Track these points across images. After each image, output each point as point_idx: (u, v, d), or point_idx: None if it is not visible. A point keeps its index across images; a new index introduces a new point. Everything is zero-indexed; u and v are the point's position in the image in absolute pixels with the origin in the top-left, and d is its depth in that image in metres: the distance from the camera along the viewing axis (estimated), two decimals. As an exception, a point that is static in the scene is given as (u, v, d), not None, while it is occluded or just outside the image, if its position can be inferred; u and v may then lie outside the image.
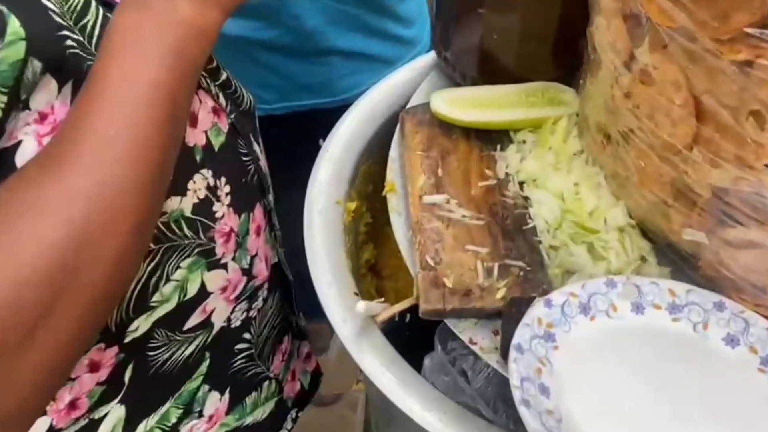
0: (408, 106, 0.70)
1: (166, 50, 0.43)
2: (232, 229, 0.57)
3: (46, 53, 0.42)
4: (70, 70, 0.44)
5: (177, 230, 0.51)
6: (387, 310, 0.54)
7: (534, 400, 0.44)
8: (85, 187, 0.39)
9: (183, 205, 0.51)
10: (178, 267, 0.53)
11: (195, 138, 0.53)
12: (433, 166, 0.63)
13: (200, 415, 0.63)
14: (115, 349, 0.52)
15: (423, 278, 0.54)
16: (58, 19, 0.43)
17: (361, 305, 0.53)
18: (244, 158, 0.60)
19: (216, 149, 0.55)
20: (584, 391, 0.47)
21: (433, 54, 0.76)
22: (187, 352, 0.58)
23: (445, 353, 0.56)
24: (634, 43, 0.45)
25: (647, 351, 0.50)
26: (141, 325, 0.52)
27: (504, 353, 0.50)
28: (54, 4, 0.43)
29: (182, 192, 0.51)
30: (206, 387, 0.62)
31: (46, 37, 0.42)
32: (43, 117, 0.43)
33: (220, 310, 0.59)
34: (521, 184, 0.61)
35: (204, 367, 0.61)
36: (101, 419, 0.54)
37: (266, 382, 0.70)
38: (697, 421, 0.45)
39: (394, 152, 0.67)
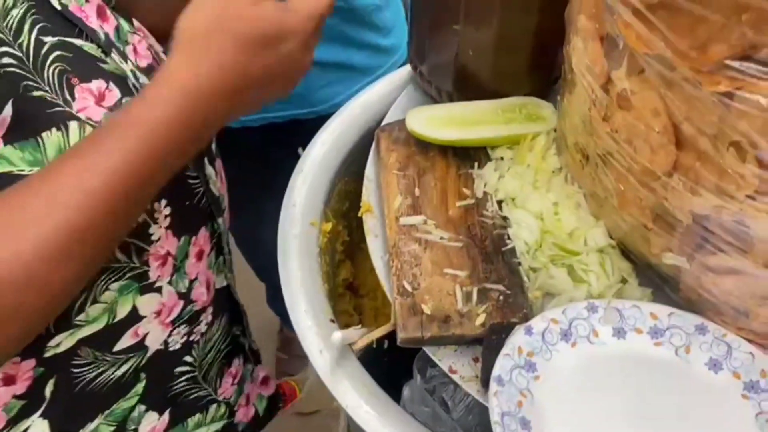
0: (384, 122, 0.68)
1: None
2: (168, 252, 0.56)
3: None
4: (8, 90, 0.44)
5: None
6: (364, 338, 0.53)
7: (515, 436, 0.43)
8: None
9: None
10: (107, 289, 0.52)
11: None
12: (410, 186, 0.62)
13: None
14: (32, 363, 0.51)
15: (401, 305, 0.53)
16: None
17: (337, 335, 0.51)
18: (192, 181, 0.58)
19: None
20: (565, 421, 0.46)
21: (408, 68, 0.74)
22: (119, 373, 0.57)
23: (424, 382, 0.55)
24: (611, 66, 0.44)
25: (630, 377, 0.49)
26: (63, 342, 0.52)
27: (485, 382, 0.49)
28: None
29: None
30: (142, 407, 0.61)
31: None
32: None
33: (154, 334, 0.58)
34: (500, 203, 0.60)
35: (140, 388, 0.59)
36: None
37: (214, 405, 0.69)
38: (681, 451, 0.44)
39: (369, 171, 0.66)
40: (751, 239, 0.40)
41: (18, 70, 0.45)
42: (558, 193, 0.58)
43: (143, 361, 0.58)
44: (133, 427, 0.61)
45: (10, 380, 0.51)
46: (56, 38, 0.47)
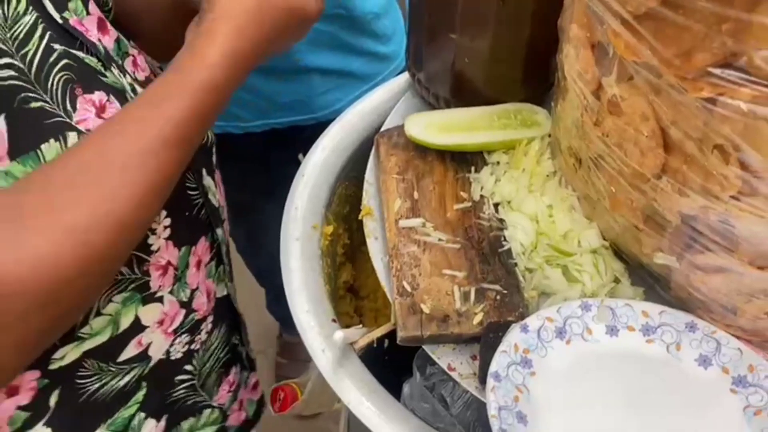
0: (383, 128, 0.70)
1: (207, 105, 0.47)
2: (169, 263, 0.57)
3: None
4: (1, 104, 0.44)
5: None
6: (365, 338, 0.55)
7: (512, 429, 0.44)
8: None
9: None
10: (110, 301, 0.53)
11: None
12: (409, 190, 0.63)
13: None
14: (36, 374, 0.52)
15: (400, 305, 0.55)
16: None
17: (339, 335, 0.53)
18: (191, 192, 0.59)
19: None
20: (561, 416, 0.47)
21: (406, 75, 0.76)
22: (122, 383, 0.58)
23: (424, 379, 0.56)
24: (602, 73, 0.46)
25: (622, 373, 0.50)
26: (68, 354, 0.52)
27: (482, 379, 0.50)
28: None
29: None
30: (142, 414, 0.61)
31: None
32: None
33: (157, 343, 0.58)
34: (496, 206, 0.62)
35: (140, 396, 0.60)
36: None
37: (207, 410, 0.70)
38: (672, 444, 0.46)
39: (369, 175, 0.67)
40: (736, 238, 0.42)
41: (17, 82, 0.45)
42: (552, 196, 0.60)
43: (146, 371, 0.59)
44: None
45: (14, 391, 0.51)
46: (62, 48, 0.48)
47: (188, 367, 0.64)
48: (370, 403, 0.52)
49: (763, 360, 0.48)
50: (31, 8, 0.47)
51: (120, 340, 0.55)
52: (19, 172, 0.45)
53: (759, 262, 0.42)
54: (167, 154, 0.46)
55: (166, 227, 0.55)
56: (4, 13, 0.45)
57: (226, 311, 0.69)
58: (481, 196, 0.63)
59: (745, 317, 0.48)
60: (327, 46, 0.98)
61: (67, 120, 0.47)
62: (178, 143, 0.46)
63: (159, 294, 0.56)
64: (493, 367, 0.48)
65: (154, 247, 0.54)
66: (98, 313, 0.52)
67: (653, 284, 0.54)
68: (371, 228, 0.63)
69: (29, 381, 0.51)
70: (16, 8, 0.46)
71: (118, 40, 0.54)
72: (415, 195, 0.63)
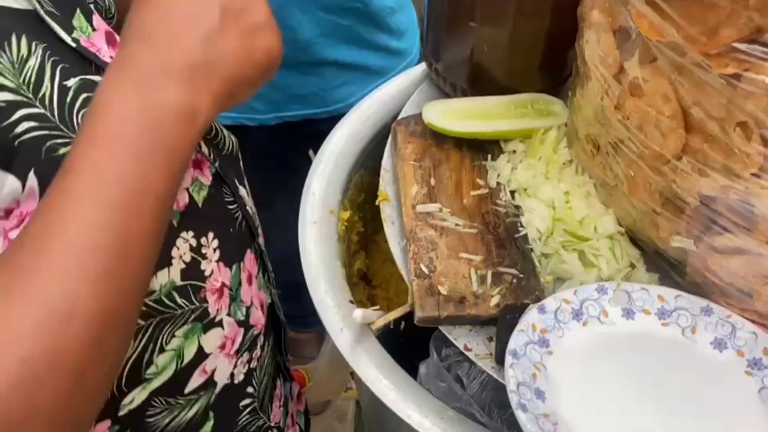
0: (400, 116, 0.71)
1: (154, 146, 0.39)
2: (223, 284, 0.55)
3: None
4: (28, 160, 0.40)
5: (169, 302, 0.49)
6: (383, 318, 0.55)
7: (530, 404, 0.45)
8: (34, 317, 0.34)
9: (172, 275, 0.49)
10: (173, 336, 0.51)
11: None
12: (426, 176, 0.64)
13: None
14: (106, 423, 0.49)
15: (418, 286, 0.55)
16: (11, 96, 0.40)
17: (358, 313, 0.53)
18: (230, 206, 0.58)
19: (200, 205, 0.52)
20: (578, 395, 0.48)
21: (422, 66, 0.77)
22: (190, 414, 0.56)
23: (440, 360, 0.57)
24: (623, 57, 0.46)
25: (638, 355, 0.51)
26: (137, 397, 0.50)
27: (499, 359, 0.51)
28: (9, 79, 0.40)
29: (167, 262, 0.49)
30: None
31: None
32: (8, 212, 0.40)
33: (222, 368, 0.57)
34: (512, 193, 0.62)
35: (208, 427, 0.58)
36: None
37: None
38: (688, 422, 0.46)
39: (386, 162, 0.68)
40: (755, 217, 0.42)
41: (40, 132, 0.41)
42: (569, 183, 0.61)
43: (212, 398, 0.57)
44: None
45: None
46: (77, 79, 0.44)
47: (249, 390, 0.62)
48: (387, 380, 0.53)
49: (778, 344, 0.49)
50: (35, 45, 0.43)
51: (185, 372, 0.53)
52: None
53: (778, 240, 0.42)
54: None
55: (215, 249, 0.54)
56: (9, 59, 0.41)
57: (273, 320, 0.68)
58: (498, 183, 0.63)
59: (762, 301, 0.48)
60: (343, 40, 0.99)
61: None
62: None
63: (218, 318, 0.55)
64: (512, 344, 0.48)
65: (207, 272, 0.53)
66: (162, 350, 0.50)
67: (669, 270, 0.55)
68: (388, 213, 0.63)
69: (102, 430, 0.50)
70: (19, 53, 0.42)
71: None
72: (432, 181, 0.64)
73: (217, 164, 0.55)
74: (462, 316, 0.54)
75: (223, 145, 0.58)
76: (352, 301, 0.59)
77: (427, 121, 0.65)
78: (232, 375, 0.59)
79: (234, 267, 0.57)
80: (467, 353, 0.53)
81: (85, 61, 0.46)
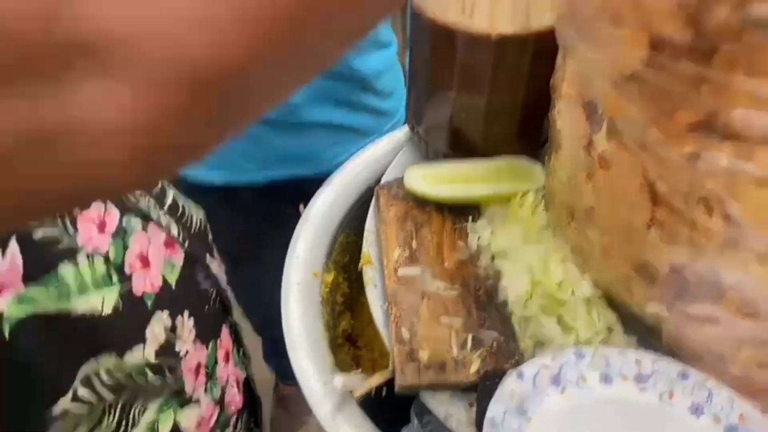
0: (383, 179, 0.73)
1: None
2: (199, 363, 0.55)
3: None
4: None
5: (142, 377, 0.50)
6: (364, 385, 0.55)
7: (508, 474, 0.45)
8: None
9: (146, 354, 0.50)
10: (146, 409, 0.51)
11: (146, 285, 0.51)
12: (408, 239, 0.65)
13: None
14: None
15: (398, 352, 0.56)
16: None
17: (339, 380, 0.54)
18: (204, 284, 0.58)
19: (173, 286, 0.53)
20: (557, 463, 0.48)
21: (406, 128, 0.79)
22: None
23: (421, 426, 0.57)
24: (592, 130, 0.48)
25: (616, 421, 0.51)
26: None
27: (479, 426, 0.51)
28: None
29: (141, 339, 0.50)
30: None
31: None
32: None
33: None
34: (492, 256, 0.63)
35: None
36: None
37: None
38: (667, 492, 0.47)
39: (369, 224, 0.69)
40: (723, 287, 0.43)
41: None
42: (547, 246, 0.62)
43: None
44: None
45: None
46: None
47: None
48: (368, 449, 0.53)
49: (753, 410, 0.49)
50: None
51: None
52: (41, 296, 0.42)
53: (746, 309, 0.43)
54: None
55: (190, 329, 0.54)
56: None
57: (248, 396, 0.67)
58: (478, 246, 0.64)
59: (736, 366, 0.49)
60: (330, 102, 1.02)
61: (73, 244, 0.45)
62: None
63: (195, 396, 0.55)
64: (490, 413, 0.48)
65: (182, 353, 0.54)
66: (134, 425, 0.50)
67: (646, 334, 0.56)
68: (370, 276, 0.64)
69: None
70: None
71: None
72: (414, 244, 0.65)
73: (187, 244, 0.56)
74: (442, 383, 0.54)
75: (191, 224, 0.59)
76: (333, 367, 0.60)
77: (408, 186, 0.67)
78: None
79: (210, 345, 0.57)
80: (448, 420, 0.53)
81: None
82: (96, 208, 0.48)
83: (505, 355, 0.56)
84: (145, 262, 0.51)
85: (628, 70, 0.40)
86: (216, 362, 0.58)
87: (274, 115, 1.00)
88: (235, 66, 0.24)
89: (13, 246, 0.41)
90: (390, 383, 0.55)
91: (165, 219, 0.56)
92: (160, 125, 0.23)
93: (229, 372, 0.60)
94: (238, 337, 0.64)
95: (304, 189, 0.82)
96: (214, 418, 0.58)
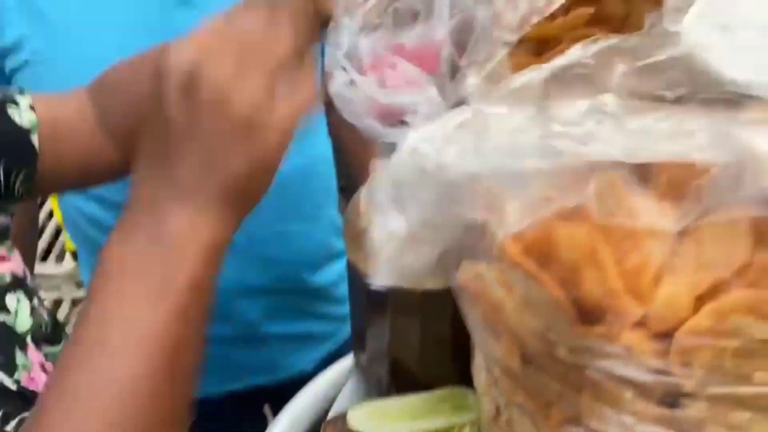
0: (330, 414, 0.75)
1: (173, 294, 0.40)
2: None
3: None
4: None
5: None
6: None
7: None
8: None
9: None
10: None
11: None
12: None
13: None
14: None
15: None
16: None
17: None
18: None
19: None
20: None
21: (351, 356, 0.82)
22: None
23: None
24: (498, 398, 0.51)
25: None
26: None
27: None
28: None
29: None
30: None
31: None
32: None
33: None
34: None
35: None
36: None
37: None
38: None
39: (319, 465, 0.71)
40: None
41: None
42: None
43: None
44: None
45: None
46: (16, 420, 0.47)
47: None
48: None
49: None
50: None
51: None
52: None
53: None
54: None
55: None
56: None
57: None
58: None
59: None
60: (288, 314, 1.06)
61: None
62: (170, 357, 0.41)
63: None
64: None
65: None
66: None
67: None
68: None
69: None
70: None
71: None
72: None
73: None
74: None
75: None
76: None
77: (350, 427, 0.69)
78: None
79: None
80: None
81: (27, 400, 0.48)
82: None
83: None
84: None
85: (512, 367, 0.44)
86: None
87: (232, 332, 1.03)
88: None
89: None
90: None
91: None
92: None
93: None
94: None
95: (265, 395, 0.84)
96: None
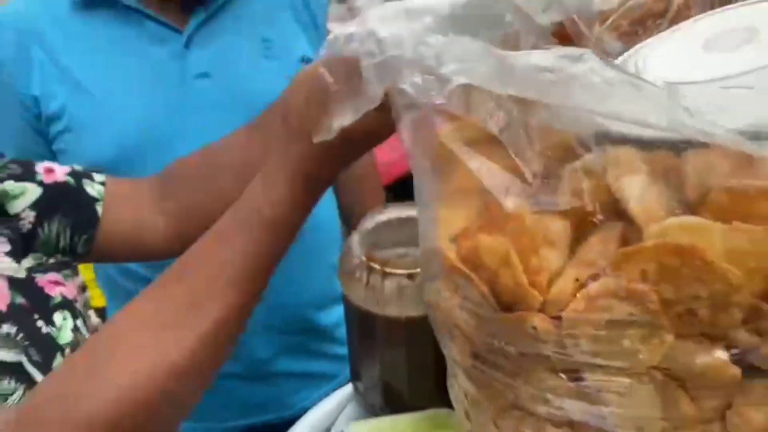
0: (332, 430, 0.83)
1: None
2: None
3: None
4: None
5: None
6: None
7: None
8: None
9: None
10: None
11: None
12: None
13: None
14: None
15: None
16: None
17: None
18: None
19: None
20: None
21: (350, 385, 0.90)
22: None
23: None
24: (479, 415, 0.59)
25: None
26: None
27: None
28: None
29: None
30: None
31: None
32: None
33: None
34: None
35: None
36: None
37: None
38: None
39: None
40: None
41: None
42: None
43: None
44: None
45: None
46: None
47: None
48: None
49: None
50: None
51: None
52: None
53: None
54: (224, 299, 0.51)
55: None
56: None
57: None
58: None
59: None
60: (295, 354, 1.14)
61: None
62: (239, 284, 0.52)
63: None
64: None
65: None
66: None
67: None
68: None
69: None
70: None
71: None
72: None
73: None
74: None
75: None
76: None
77: (349, 440, 0.77)
78: None
79: None
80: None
81: None
82: None
83: None
84: None
85: (466, 366, 0.53)
86: None
87: (242, 370, 1.11)
88: None
89: None
90: None
91: None
92: None
93: None
94: None
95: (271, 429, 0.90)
96: None
